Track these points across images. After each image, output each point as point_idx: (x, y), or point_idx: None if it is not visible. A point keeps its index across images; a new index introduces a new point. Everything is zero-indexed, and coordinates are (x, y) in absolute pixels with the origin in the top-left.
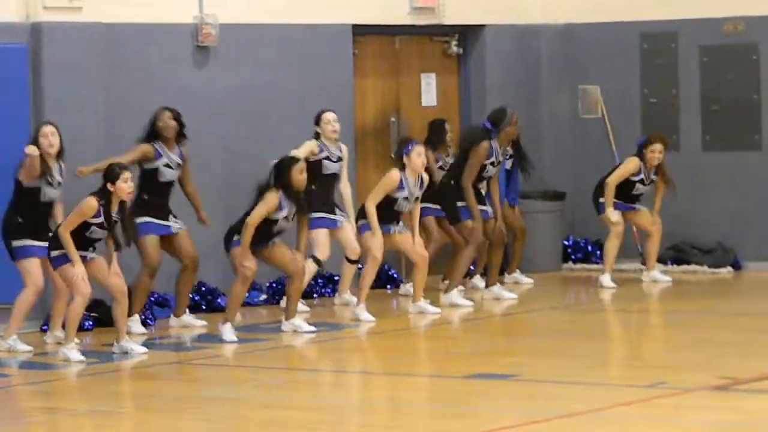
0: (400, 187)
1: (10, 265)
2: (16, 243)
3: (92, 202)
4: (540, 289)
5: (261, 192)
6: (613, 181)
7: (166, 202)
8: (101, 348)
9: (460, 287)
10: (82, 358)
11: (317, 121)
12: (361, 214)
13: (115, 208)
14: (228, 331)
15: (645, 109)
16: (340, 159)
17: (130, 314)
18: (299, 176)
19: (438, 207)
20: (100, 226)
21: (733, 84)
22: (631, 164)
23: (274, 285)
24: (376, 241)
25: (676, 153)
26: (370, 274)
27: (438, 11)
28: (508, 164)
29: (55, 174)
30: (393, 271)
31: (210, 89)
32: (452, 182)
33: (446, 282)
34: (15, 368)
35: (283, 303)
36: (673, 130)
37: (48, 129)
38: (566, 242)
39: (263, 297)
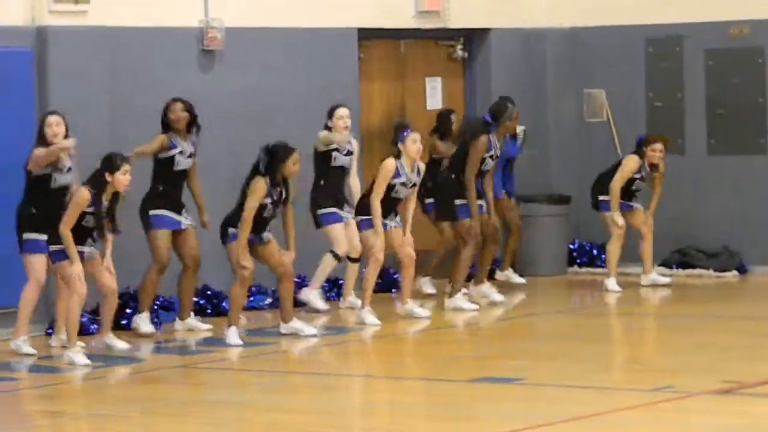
0: (397, 173)
1: (17, 268)
2: (26, 235)
3: (85, 193)
4: (545, 292)
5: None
6: (617, 184)
7: (180, 194)
8: (107, 351)
9: (464, 290)
10: (88, 361)
11: (330, 115)
12: (360, 209)
13: (108, 198)
14: (233, 335)
15: (650, 112)
16: (350, 153)
17: (138, 311)
18: (293, 167)
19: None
20: (93, 214)
21: (738, 88)
22: (632, 163)
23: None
24: (378, 242)
25: (682, 156)
26: (372, 275)
27: (443, 15)
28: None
29: (65, 162)
30: (398, 275)
31: (215, 93)
32: (453, 176)
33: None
34: (20, 372)
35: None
36: (678, 134)
37: (53, 119)
38: (571, 246)
39: (268, 301)
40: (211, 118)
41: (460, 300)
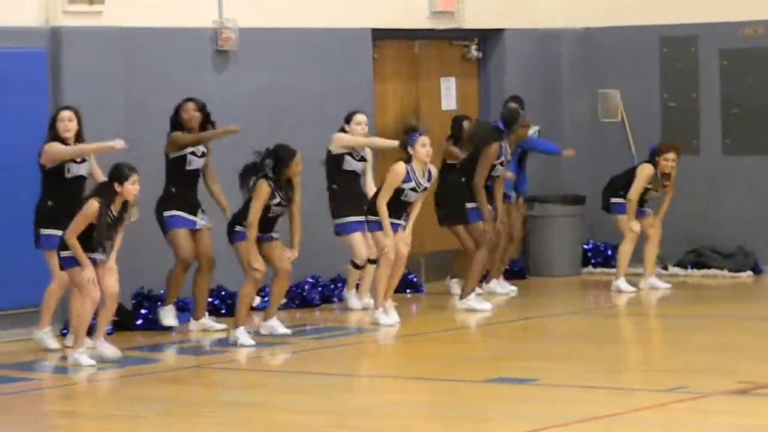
0: (407, 178)
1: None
2: (44, 231)
3: (94, 205)
4: (559, 293)
5: (250, 174)
6: (635, 194)
7: (194, 194)
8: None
9: (478, 290)
10: (93, 362)
11: (348, 120)
12: (370, 210)
13: (117, 207)
14: (244, 336)
15: (665, 113)
16: (363, 159)
17: (163, 305)
18: (296, 168)
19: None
20: (102, 225)
21: (752, 88)
22: (647, 172)
23: (294, 289)
24: (389, 242)
25: (696, 157)
26: (384, 276)
27: (457, 15)
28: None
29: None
30: (413, 276)
31: (229, 93)
32: (463, 180)
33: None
34: (36, 372)
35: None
36: (693, 134)
37: (65, 114)
38: (586, 246)
39: (283, 301)
40: (225, 119)
41: (472, 300)
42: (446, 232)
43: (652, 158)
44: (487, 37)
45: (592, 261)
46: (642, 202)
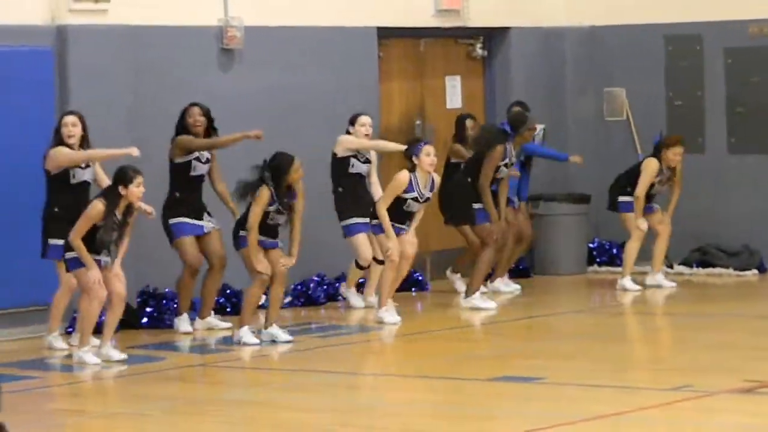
0: (410, 188)
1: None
2: (51, 241)
3: (98, 206)
4: (565, 291)
5: (252, 188)
6: (642, 190)
7: (199, 198)
8: (126, 351)
9: (483, 289)
10: (98, 360)
11: (352, 121)
12: (374, 214)
13: (121, 211)
14: (248, 335)
15: (670, 111)
16: (368, 161)
17: (177, 314)
18: (296, 174)
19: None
20: (106, 227)
21: (758, 86)
22: (653, 167)
23: (299, 287)
24: (392, 245)
25: (701, 155)
26: (389, 276)
27: (463, 14)
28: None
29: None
30: (418, 274)
31: (235, 92)
32: (469, 180)
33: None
34: (43, 370)
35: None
36: (698, 133)
37: (69, 119)
38: (591, 245)
39: (288, 299)
40: (231, 117)
41: (477, 299)
42: (451, 231)
43: (657, 151)
44: (493, 36)
45: (598, 260)
46: (649, 197)
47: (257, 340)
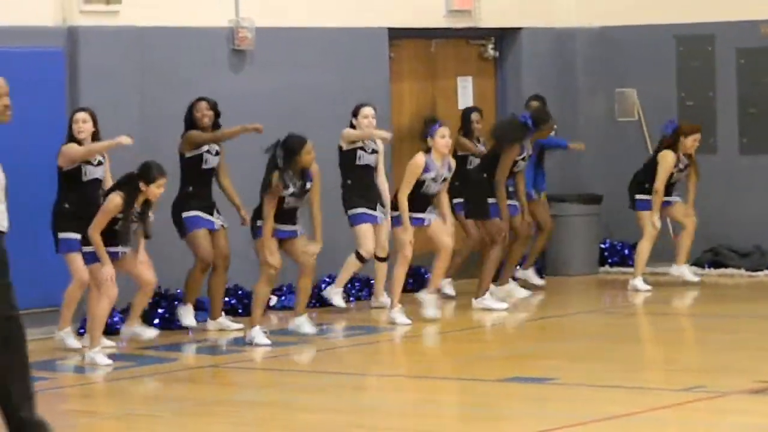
0: (427, 168)
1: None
2: (62, 235)
3: (117, 200)
4: (576, 292)
5: (270, 171)
6: (661, 184)
7: (210, 193)
8: (138, 351)
9: (492, 289)
10: (109, 361)
11: (355, 113)
12: (394, 205)
13: (140, 203)
14: (259, 335)
15: (682, 112)
16: (374, 151)
17: (182, 304)
18: (307, 156)
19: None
20: (126, 220)
21: None
22: (669, 160)
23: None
24: (407, 237)
25: (713, 156)
26: (400, 274)
27: (474, 14)
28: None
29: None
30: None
31: (246, 93)
32: (484, 175)
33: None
34: (54, 371)
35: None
36: (710, 133)
37: (79, 116)
38: (602, 246)
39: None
40: (241, 118)
41: (488, 300)
42: (461, 230)
43: (674, 139)
44: (504, 36)
45: (609, 260)
46: (669, 187)
47: (268, 341)
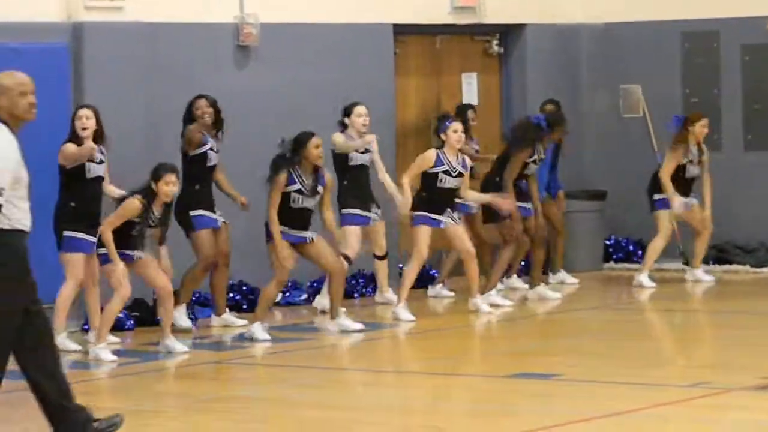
0: (438, 162)
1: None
2: (67, 233)
3: (134, 203)
4: (581, 288)
5: (278, 165)
6: (665, 175)
7: (211, 190)
8: (142, 347)
9: (499, 286)
10: (114, 357)
11: (348, 112)
12: (413, 205)
13: (159, 207)
14: (259, 331)
15: (686, 108)
16: (367, 150)
17: (175, 305)
18: (315, 150)
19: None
20: (143, 224)
21: None
22: (678, 151)
23: (315, 284)
24: (420, 235)
25: (718, 152)
26: (413, 271)
27: (479, 11)
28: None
29: (96, 154)
30: (434, 271)
31: (251, 89)
32: (497, 179)
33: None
34: None
35: (316, 303)
36: (714, 130)
37: (83, 112)
38: (607, 242)
39: (304, 296)
40: (246, 114)
41: (494, 296)
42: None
43: (684, 133)
44: (509, 32)
45: (614, 256)
46: (688, 187)
47: (268, 336)
